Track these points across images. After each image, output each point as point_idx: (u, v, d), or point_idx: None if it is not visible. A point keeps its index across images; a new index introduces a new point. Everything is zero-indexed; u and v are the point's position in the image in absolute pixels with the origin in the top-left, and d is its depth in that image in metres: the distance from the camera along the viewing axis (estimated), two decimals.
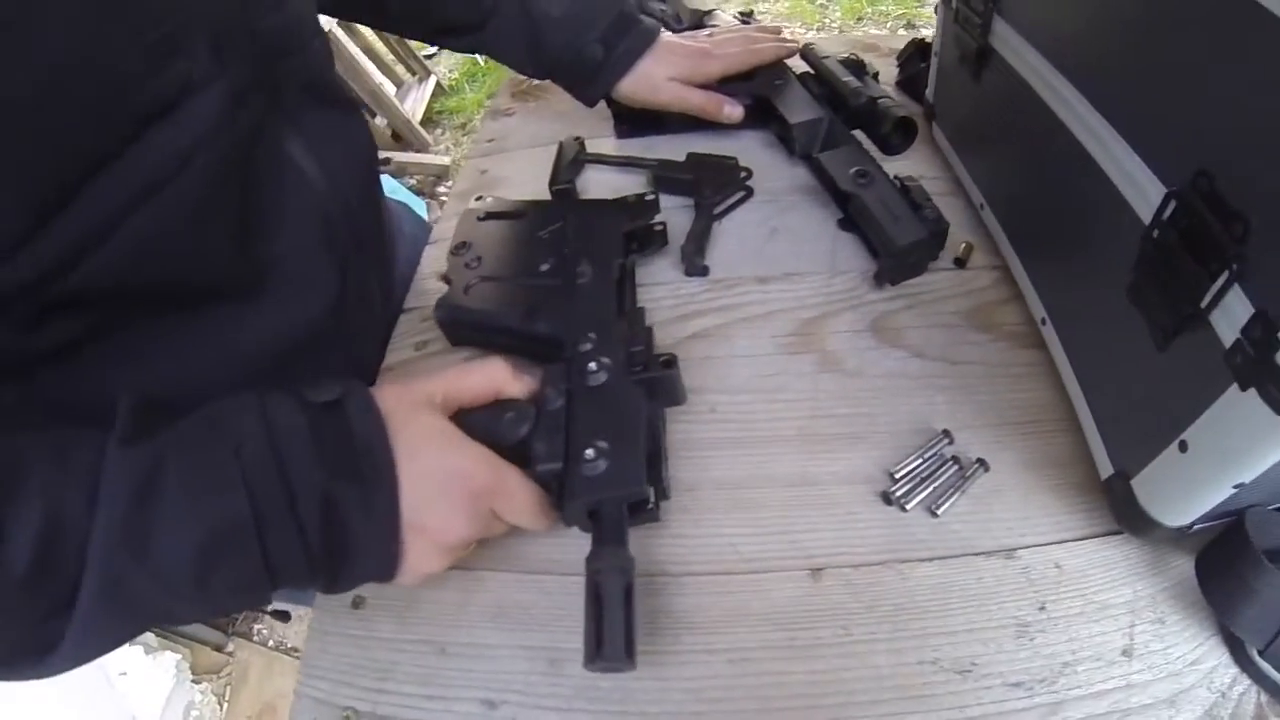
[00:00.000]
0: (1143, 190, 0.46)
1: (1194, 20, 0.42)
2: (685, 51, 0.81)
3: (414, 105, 3.18)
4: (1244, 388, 0.37)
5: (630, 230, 0.68)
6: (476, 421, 0.50)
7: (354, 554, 0.45)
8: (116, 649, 0.43)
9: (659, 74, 0.81)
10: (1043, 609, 0.49)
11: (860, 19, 3.74)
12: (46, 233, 0.41)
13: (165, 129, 0.45)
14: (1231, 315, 0.39)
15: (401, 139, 3.07)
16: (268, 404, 0.45)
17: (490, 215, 0.71)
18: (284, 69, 0.57)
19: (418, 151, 3.05)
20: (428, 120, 3.25)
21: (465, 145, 3.09)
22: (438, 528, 0.47)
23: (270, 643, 1.78)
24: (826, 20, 3.77)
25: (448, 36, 0.82)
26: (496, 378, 0.52)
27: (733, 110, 0.83)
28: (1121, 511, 0.50)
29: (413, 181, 2.88)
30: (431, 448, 0.47)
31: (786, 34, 0.90)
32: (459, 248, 0.68)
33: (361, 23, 0.85)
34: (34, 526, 0.38)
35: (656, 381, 0.55)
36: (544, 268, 0.63)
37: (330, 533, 0.44)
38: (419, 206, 2.22)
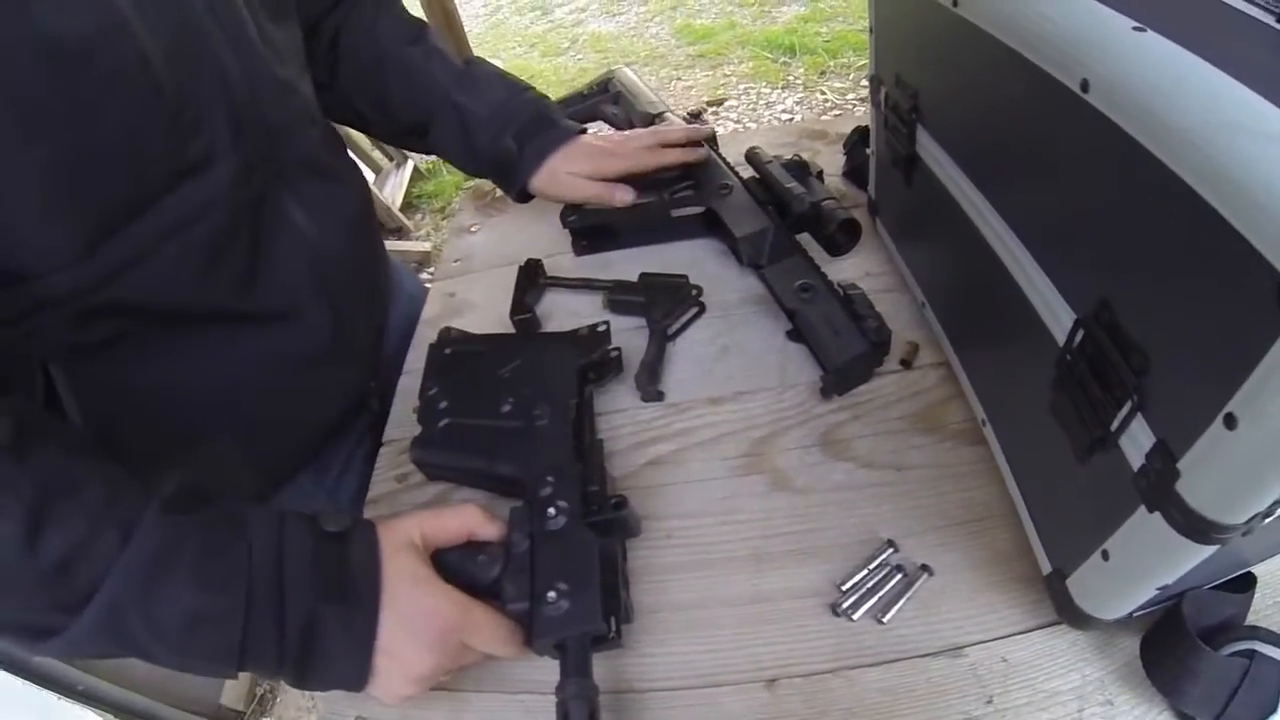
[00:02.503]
0: (1055, 314, 0.48)
1: (1081, 154, 0.43)
2: (590, 151, 0.88)
3: (393, 191, 3.24)
4: (1150, 510, 0.39)
5: (586, 364, 0.71)
6: (452, 561, 0.56)
7: (324, 661, 0.51)
8: (100, 658, 0.51)
9: (562, 169, 0.87)
10: (990, 703, 0.50)
11: (823, 73, 3.82)
12: (95, 255, 0.56)
13: (191, 186, 0.59)
14: (1137, 442, 0.40)
15: (383, 226, 3.13)
16: (286, 522, 0.53)
17: (455, 351, 0.75)
18: (288, 151, 0.69)
19: (400, 238, 3.11)
20: (407, 205, 3.31)
21: (445, 229, 3.15)
22: (408, 659, 0.52)
23: None
24: (790, 77, 3.86)
25: (408, 138, 0.92)
26: (470, 522, 0.58)
27: (623, 195, 0.87)
28: (1061, 606, 0.52)
29: None
30: (407, 587, 0.53)
31: (720, 129, 0.95)
32: (428, 388, 0.72)
33: (348, 125, 0.96)
34: (73, 537, 0.46)
35: (611, 522, 0.58)
36: (505, 408, 0.67)
37: (306, 640, 0.50)
38: None
